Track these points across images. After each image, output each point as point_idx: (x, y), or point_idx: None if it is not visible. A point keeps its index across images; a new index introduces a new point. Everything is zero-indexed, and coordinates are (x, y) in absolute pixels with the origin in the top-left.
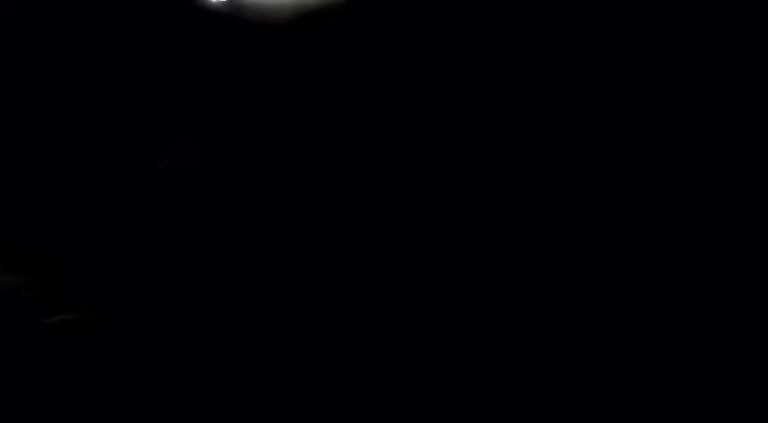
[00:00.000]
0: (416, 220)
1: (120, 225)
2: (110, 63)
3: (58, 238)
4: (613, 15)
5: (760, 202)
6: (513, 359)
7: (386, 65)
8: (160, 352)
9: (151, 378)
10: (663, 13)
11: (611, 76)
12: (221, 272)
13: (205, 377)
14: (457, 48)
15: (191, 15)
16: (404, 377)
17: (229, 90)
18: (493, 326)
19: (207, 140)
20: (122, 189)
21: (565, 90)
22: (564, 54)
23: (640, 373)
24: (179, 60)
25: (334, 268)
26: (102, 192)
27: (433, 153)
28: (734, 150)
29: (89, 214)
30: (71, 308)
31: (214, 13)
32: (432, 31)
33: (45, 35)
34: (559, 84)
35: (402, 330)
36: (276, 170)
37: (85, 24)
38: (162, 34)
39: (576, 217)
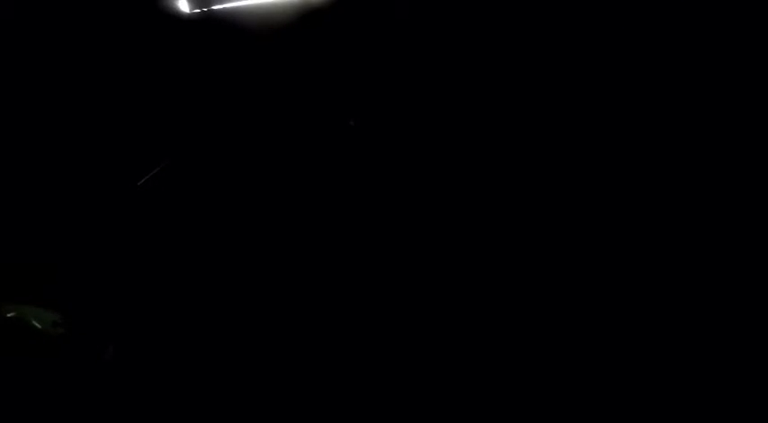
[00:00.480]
0: (414, 218)
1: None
2: (114, 71)
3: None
4: (613, 15)
5: (760, 202)
6: (512, 358)
7: (378, 74)
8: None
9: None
10: (662, 13)
11: (607, 76)
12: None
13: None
14: (455, 48)
15: (188, 22)
16: (402, 376)
17: (228, 96)
18: (491, 325)
19: (208, 148)
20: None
21: (563, 89)
22: (561, 52)
23: (639, 372)
24: (178, 65)
25: (331, 268)
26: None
27: (436, 152)
28: (734, 150)
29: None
30: (109, 341)
31: (212, 20)
32: (430, 33)
33: (45, 36)
34: (557, 83)
35: (400, 329)
36: (277, 171)
37: (89, 30)
38: (159, 37)
39: (573, 216)
